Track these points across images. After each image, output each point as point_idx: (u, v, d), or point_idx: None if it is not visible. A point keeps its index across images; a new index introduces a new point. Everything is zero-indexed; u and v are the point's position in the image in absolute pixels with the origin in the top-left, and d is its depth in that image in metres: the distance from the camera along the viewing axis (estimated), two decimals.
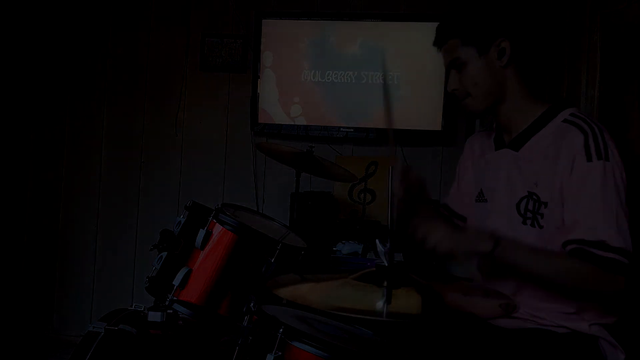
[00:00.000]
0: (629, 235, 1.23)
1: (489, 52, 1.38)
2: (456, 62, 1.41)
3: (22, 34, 3.06)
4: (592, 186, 1.25)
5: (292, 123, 2.96)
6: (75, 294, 3.15)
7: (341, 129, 2.91)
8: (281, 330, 1.17)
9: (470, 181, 1.59)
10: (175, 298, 1.60)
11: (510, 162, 1.43)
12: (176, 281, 1.61)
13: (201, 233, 1.64)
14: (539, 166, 1.35)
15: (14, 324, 3.05)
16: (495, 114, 1.45)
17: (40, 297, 3.14)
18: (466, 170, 1.63)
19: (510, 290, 1.36)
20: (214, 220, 1.66)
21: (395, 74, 2.85)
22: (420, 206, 1.44)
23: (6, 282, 3.05)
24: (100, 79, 3.14)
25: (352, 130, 2.90)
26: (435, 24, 1.45)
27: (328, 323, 1.36)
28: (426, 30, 2.88)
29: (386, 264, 1.03)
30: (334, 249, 2.59)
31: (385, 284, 1.02)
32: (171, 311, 1.59)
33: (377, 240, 1.05)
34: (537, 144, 1.38)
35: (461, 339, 1.37)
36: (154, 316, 1.55)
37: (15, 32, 3.04)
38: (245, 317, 1.55)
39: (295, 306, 1.35)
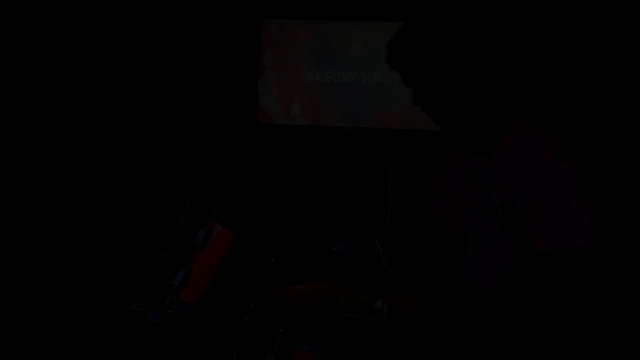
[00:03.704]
0: (607, 232, 1.22)
1: None
2: None
3: None
4: (563, 190, 1.22)
5: (292, 123, 2.96)
6: (74, 293, 3.15)
7: (341, 129, 2.91)
8: (281, 330, 1.17)
9: (450, 194, 1.55)
10: (175, 298, 1.60)
11: (484, 168, 1.40)
12: (176, 281, 1.60)
13: (201, 233, 1.63)
14: (511, 172, 1.32)
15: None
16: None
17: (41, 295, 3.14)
18: (443, 187, 1.60)
19: (502, 286, 1.36)
20: (214, 220, 1.66)
21: (395, 74, 2.84)
22: None
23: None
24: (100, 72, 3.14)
25: (352, 130, 2.90)
26: None
27: (328, 323, 1.36)
28: None
29: (385, 264, 1.03)
30: (334, 249, 2.59)
31: (384, 284, 1.02)
32: (171, 311, 1.59)
33: (376, 240, 1.05)
34: (506, 150, 1.35)
35: (458, 337, 1.37)
36: (154, 316, 1.56)
37: None
38: (245, 317, 1.55)
39: (295, 306, 1.35)
